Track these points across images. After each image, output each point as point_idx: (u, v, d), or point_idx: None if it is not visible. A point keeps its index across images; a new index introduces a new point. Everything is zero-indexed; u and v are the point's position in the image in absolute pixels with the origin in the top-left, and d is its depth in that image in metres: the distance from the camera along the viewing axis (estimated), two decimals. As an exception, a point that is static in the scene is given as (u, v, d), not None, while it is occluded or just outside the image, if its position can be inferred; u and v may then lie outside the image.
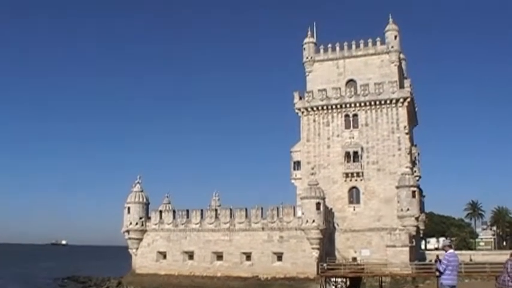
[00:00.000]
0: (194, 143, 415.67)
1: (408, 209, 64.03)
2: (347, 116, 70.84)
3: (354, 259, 64.93)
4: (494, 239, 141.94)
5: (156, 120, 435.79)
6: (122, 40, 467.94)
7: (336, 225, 67.50)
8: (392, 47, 71.68)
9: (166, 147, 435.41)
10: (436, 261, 14.45)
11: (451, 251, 14.00)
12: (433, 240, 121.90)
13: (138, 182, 68.30)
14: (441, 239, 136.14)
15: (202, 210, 67.22)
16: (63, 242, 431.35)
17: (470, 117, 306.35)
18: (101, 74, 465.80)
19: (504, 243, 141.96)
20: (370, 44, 73.05)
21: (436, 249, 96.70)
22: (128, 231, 67.43)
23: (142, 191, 67.91)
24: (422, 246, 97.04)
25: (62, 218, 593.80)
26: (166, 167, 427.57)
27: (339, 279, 58.20)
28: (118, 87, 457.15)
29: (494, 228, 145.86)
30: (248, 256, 62.96)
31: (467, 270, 55.39)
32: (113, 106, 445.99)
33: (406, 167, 65.71)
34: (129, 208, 67.27)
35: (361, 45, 73.36)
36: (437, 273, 13.71)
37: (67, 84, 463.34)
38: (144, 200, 67.85)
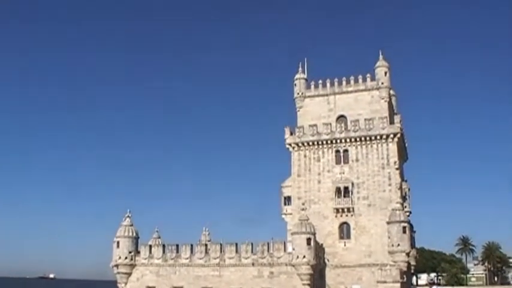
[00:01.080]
0: (185, 176, 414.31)
1: (399, 245, 63.79)
2: (337, 151, 71.13)
3: (345, 295, 64.50)
4: (486, 274, 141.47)
5: (146, 152, 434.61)
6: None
7: (326, 260, 67.16)
8: (382, 83, 72.40)
9: (158, 181, 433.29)
10: None
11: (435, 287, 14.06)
12: (424, 276, 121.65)
13: (128, 216, 68.02)
14: (432, 275, 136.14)
15: (192, 245, 66.82)
16: (51, 276, 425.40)
17: (460, 152, 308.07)
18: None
19: (495, 278, 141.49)
20: (360, 80, 73.75)
21: (427, 285, 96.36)
22: (117, 265, 66.84)
23: (132, 225, 67.57)
24: (414, 282, 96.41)
25: (51, 251, 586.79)
26: (157, 201, 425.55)
27: (330, 316, 57.73)
28: (106, 119, 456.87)
29: (486, 263, 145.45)
30: (238, 292, 62.49)
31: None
32: (103, 136, 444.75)
33: (397, 203, 65.70)
34: (118, 242, 66.81)
35: (352, 81, 74.02)
36: None
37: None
38: (134, 234, 67.46)
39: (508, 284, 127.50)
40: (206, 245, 67.11)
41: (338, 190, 69.10)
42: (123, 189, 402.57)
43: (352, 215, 68.48)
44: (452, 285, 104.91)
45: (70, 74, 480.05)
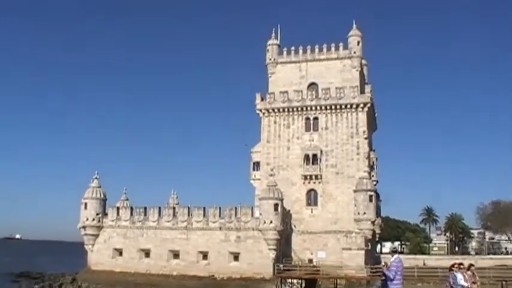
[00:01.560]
0: (153, 139, 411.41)
1: (365, 213, 64.82)
2: (307, 118, 71.40)
3: (310, 261, 65.47)
4: (448, 244, 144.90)
5: (116, 114, 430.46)
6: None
7: (293, 226, 67.99)
8: (354, 52, 72.58)
9: (125, 143, 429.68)
10: (384, 266, 14.75)
11: (397, 255, 14.37)
12: (388, 244, 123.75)
13: (96, 178, 67.78)
14: (396, 243, 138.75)
15: (160, 208, 67.10)
16: (18, 236, 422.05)
17: (428, 124, 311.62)
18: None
19: (456, 248, 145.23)
20: (332, 49, 73.78)
21: (397, 251, 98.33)
22: (84, 227, 66.84)
23: (100, 187, 67.41)
24: (378, 250, 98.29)
25: (17, 211, 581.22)
26: (125, 164, 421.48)
27: (295, 281, 58.54)
28: (80, 82, 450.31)
29: (448, 233, 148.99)
30: (205, 255, 63.11)
31: (420, 274, 56.61)
32: (72, 98, 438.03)
33: (364, 171, 66.50)
34: (86, 204, 66.71)
35: (324, 50, 74.00)
36: (383, 278, 14.05)
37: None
38: (102, 196, 67.36)
39: (468, 253, 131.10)
40: (174, 208, 67.47)
41: (307, 157, 69.58)
42: (92, 149, 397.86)
43: (319, 183, 69.13)
44: (415, 253, 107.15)
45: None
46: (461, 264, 18.63)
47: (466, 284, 17.45)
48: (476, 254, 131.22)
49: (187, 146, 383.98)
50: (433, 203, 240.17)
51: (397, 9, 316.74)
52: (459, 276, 17.68)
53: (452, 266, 18.37)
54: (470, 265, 19.10)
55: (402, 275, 13.87)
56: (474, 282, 17.96)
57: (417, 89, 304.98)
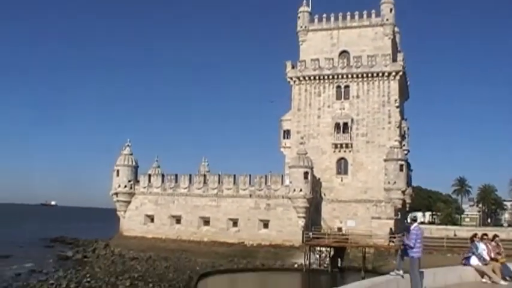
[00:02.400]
0: (186, 110, 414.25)
1: (395, 182, 64.29)
2: (339, 87, 70.71)
3: (339, 229, 65.50)
4: (480, 215, 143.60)
5: (150, 86, 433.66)
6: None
7: (323, 195, 67.94)
8: (387, 19, 71.31)
9: (158, 113, 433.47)
10: (403, 235, 14.76)
11: (416, 224, 14.36)
12: (419, 214, 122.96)
13: (128, 145, 68.58)
14: (427, 214, 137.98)
15: (190, 176, 67.78)
16: (53, 203, 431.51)
17: (461, 94, 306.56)
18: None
19: (489, 220, 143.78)
20: (365, 16, 72.56)
21: (422, 223, 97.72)
22: (116, 193, 67.93)
23: (131, 154, 68.21)
24: (408, 220, 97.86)
25: (53, 178, 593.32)
26: (157, 133, 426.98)
27: (324, 249, 58.69)
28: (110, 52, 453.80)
29: (480, 205, 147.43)
30: (235, 222, 63.75)
31: (450, 245, 56.21)
32: (102, 68, 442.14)
33: (395, 141, 65.78)
34: (118, 171, 67.66)
35: (356, 17, 72.83)
36: (402, 247, 14.11)
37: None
38: (133, 163, 68.21)
39: (501, 225, 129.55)
40: (205, 175, 68.07)
41: (337, 126, 69.13)
42: (125, 119, 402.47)
43: (350, 151, 68.72)
44: (446, 224, 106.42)
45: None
46: (484, 234, 18.25)
47: (486, 257, 17.13)
48: (509, 226, 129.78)
49: (218, 115, 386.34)
50: (466, 174, 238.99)
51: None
52: (482, 246, 17.33)
53: (474, 236, 18.04)
54: (495, 236, 18.62)
55: (422, 243, 13.94)
56: (499, 253, 17.50)
57: (453, 59, 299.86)
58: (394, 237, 54.16)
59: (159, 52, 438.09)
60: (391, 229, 58.10)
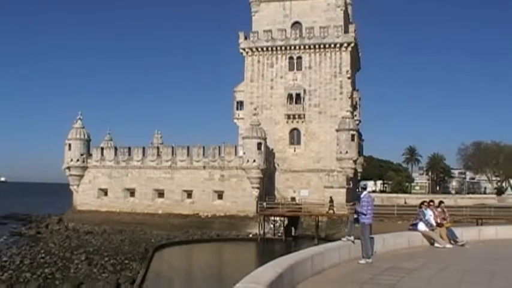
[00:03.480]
0: (138, 81, 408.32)
1: (347, 152, 65.48)
2: (291, 58, 71.01)
3: (293, 199, 66.38)
4: (429, 183, 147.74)
5: (98, 58, 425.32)
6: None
7: (276, 165, 68.58)
8: (339, -10, 71.61)
9: (110, 84, 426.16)
10: (354, 204, 15.33)
11: (366, 192, 14.89)
12: (370, 183, 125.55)
13: (79, 119, 67.65)
14: (378, 182, 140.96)
15: (144, 148, 67.52)
16: (2, 179, 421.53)
17: (413, 65, 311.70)
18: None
19: (437, 187, 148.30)
20: (317, -13, 72.67)
21: (373, 191, 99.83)
22: (68, 167, 67.18)
23: (83, 128, 67.37)
24: (359, 189, 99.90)
25: (2, 153, 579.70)
26: (109, 106, 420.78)
27: (278, 218, 59.41)
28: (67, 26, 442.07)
29: (429, 173, 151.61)
30: (189, 194, 64.00)
31: (400, 212, 57.68)
32: (54, 43, 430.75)
33: (347, 111, 66.67)
34: (70, 145, 66.83)
35: (308, -12, 72.88)
36: (355, 215, 14.59)
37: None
38: (85, 136, 67.41)
39: (449, 193, 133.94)
40: (158, 147, 67.79)
41: (290, 96, 69.63)
42: (76, 91, 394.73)
43: (303, 122, 69.40)
44: (397, 192, 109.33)
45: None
46: (431, 201, 19.11)
47: (433, 222, 17.98)
48: (457, 193, 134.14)
49: (171, 86, 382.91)
50: (416, 143, 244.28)
51: None
52: (429, 212, 18.19)
53: (422, 203, 18.85)
54: (441, 202, 19.56)
55: (372, 210, 14.49)
56: (444, 219, 18.43)
57: (403, 29, 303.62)
58: (334, 206, 56.05)
59: (111, 21, 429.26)
60: (331, 197, 59.22)
